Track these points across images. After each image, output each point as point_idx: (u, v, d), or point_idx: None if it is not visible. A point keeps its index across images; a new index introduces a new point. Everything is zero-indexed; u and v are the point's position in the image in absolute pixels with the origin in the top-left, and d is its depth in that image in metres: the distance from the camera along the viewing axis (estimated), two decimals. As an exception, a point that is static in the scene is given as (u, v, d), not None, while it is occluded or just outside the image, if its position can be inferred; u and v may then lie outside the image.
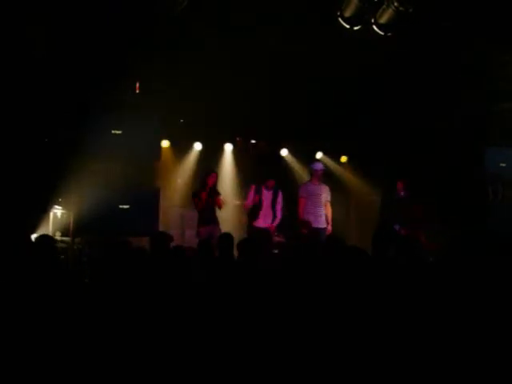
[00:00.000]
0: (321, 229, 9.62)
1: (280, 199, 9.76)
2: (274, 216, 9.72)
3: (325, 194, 9.89)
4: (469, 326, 3.47)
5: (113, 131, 9.74)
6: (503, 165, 11.50)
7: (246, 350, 3.60)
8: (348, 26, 8.16)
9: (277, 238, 9.52)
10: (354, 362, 3.47)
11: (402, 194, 10.33)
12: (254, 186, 9.75)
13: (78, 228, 9.26)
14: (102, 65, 9.04)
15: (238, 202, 11.53)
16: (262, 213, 9.65)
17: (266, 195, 9.69)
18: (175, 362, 3.54)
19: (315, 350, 3.55)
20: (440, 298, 3.80)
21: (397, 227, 9.43)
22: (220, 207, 9.53)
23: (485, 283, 3.83)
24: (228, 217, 10.91)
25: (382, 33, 8.28)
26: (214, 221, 9.48)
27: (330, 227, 9.80)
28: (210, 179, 9.50)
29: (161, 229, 9.57)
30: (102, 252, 5.65)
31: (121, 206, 9.52)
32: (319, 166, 9.92)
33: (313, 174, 9.86)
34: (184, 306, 3.96)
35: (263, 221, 9.66)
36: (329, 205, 9.90)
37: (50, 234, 8.70)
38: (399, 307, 3.82)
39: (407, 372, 3.38)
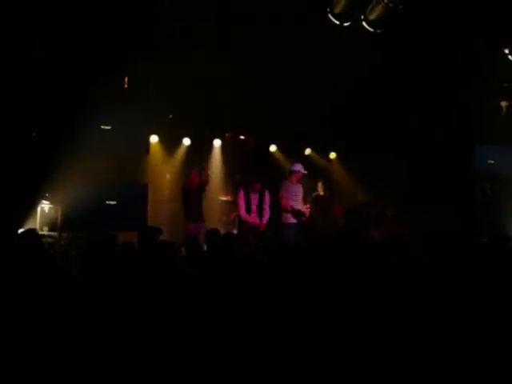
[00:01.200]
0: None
1: (267, 199, 9.85)
2: (262, 215, 9.78)
3: (301, 194, 10.09)
4: (463, 322, 3.49)
5: (102, 126, 9.71)
6: (491, 161, 11.59)
7: (236, 344, 3.59)
8: (338, 23, 8.17)
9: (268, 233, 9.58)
10: (339, 349, 3.47)
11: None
12: (242, 193, 9.78)
13: (65, 223, 9.22)
14: (91, 60, 9.00)
15: (225, 198, 11.52)
16: (252, 215, 9.70)
17: (254, 198, 9.74)
18: (164, 356, 3.53)
19: (306, 340, 3.55)
20: (426, 291, 3.82)
21: None
22: (206, 182, 9.68)
23: (475, 281, 3.85)
24: (215, 213, 10.93)
25: (371, 29, 8.29)
26: (202, 218, 9.54)
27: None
28: (194, 176, 9.54)
29: (150, 223, 9.56)
30: (88, 247, 5.59)
31: (108, 202, 9.51)
32: (298, 167, 9.98)
33: (292, 174, 9.94)
34: (172, 299, 3.95)
35: (253, 220, 9.71)
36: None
37: (38, 228, 8.66)
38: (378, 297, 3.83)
39: (396, 362, 3.38)
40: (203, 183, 9.61)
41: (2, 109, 8.57)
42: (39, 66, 8.71)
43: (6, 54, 8.33)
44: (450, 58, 9.70)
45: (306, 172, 10.00)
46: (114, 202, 9.58)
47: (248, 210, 9.73)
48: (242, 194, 9.78)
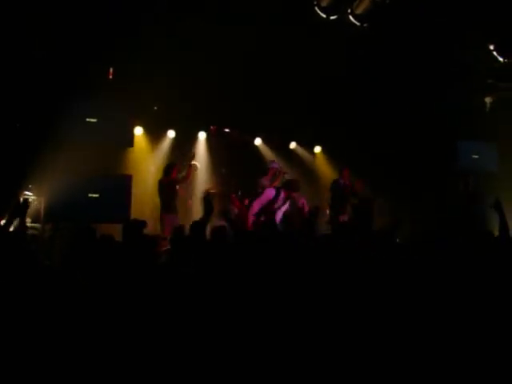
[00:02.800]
0: None
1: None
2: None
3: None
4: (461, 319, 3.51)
5: (87, 119, 9.65)
6: (476, 156, 11.68)
7: (225, 337, 3.58)
8: (324, 16, 8.17)
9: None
10: (332, 338, 3.48)
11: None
12: (236, 199, 9.89)
13: (48, 214, 9.15)
14: (75, 51, 8.93)
15: (213, 191, 11.47)
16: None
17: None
18: (151, 351, 3.51)
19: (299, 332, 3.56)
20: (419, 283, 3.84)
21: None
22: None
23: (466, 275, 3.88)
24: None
25: (358, 23, 8.30)
26: (177, 211, 9.71)
27: None
28: (174, 171, 9.70)
29: (134, 216, 9.50)
30: (70, 238, 5.56)
31: (90, 195, 9.46)
32: (275, 165, 9.98)
33: (268, 171, 9.96)
34: (156, 293, 3.93)
35: None
36: None
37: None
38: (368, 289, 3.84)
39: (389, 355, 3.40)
40: (183, 178, 9.83)
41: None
42: (23, 58, 8.62)
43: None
44: (435, 53, 9.74)
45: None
46: (97, 195, 9.53)
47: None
48: (236, 201, 9.82)
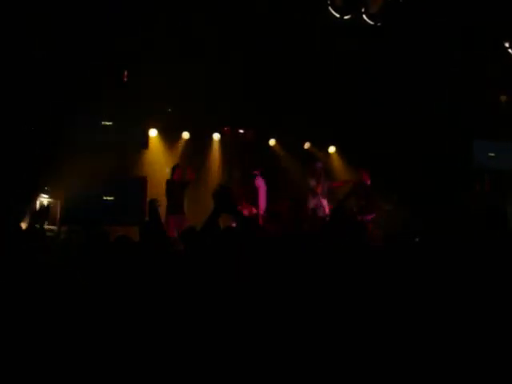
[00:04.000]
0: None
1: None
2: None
3: None
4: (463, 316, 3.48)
5: (103, 123, 9.72)
6: (492, 154, 11.60)
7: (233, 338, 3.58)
8: (338, 16, 8.15)
9: None
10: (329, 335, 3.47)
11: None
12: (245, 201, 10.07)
13: (64, 217, 9.21)
14: (90, 53, 8.97)
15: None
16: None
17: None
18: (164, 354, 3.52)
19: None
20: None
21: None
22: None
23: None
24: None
25: (371, 22, 8.27)
26: (183, 211, 9.84)
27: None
28: (177, 172, 9.84)
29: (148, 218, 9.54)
30: (85, 241, 5.59)
31: (105, 198, 9.53)
32: (318, 165, 10.19)
33: (314, 171, 10.41)
34: (172, 293, 3.94)
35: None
36: None
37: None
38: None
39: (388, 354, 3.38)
40: (186, 182, 9.93)
41: (1, 104, 8.54)
42: (39, 62, 8.68)
43: (7, 49, 8.30)
44: (450, 51, 9.68)
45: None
46: (112, 198, 9.61)
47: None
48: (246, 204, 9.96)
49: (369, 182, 10.60)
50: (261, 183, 10.05)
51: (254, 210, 10.00)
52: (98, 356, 3.49)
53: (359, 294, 3.76)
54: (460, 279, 3.86)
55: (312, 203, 10.13)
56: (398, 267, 4.08)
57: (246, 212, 9.74)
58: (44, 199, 9.21)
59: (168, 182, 9.81)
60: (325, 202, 10.14)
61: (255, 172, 10.10)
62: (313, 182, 10.14)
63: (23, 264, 4.31)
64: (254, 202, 10.03)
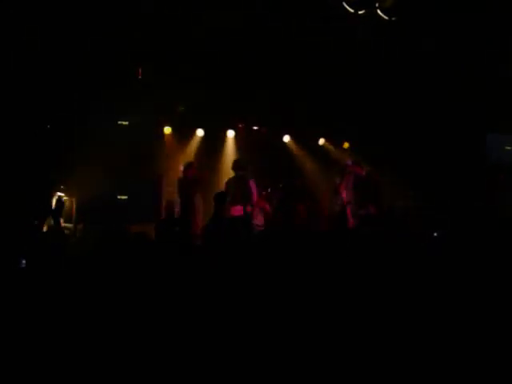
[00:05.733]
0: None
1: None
2: None
3: None
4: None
5: (119, 122, 9.75)
6: (508, 148, 11.52)
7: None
8: (352, 10, 8.10)
9: None
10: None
11: None
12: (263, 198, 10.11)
13: (80, 215, 9.25)
14: (105, 52, 9.00)
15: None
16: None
17: None
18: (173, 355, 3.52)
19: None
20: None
21: None
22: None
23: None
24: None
25: (386, 17, 8.22)
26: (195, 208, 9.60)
27: None
28: (190, 171, 9.60)
29: (164, 215, 9.59)
30: (102, 239, 5.63)
31: (120, 197, 9.58)
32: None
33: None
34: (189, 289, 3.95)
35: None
36: None
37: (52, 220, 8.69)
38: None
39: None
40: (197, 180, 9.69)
41: (19, 102, 8.59)
42: (55, 60, 8.72)
43: (21, 49, 8.34)
44: (464, 47, 9.61)
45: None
46: (126, 197, 9.65)
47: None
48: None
49: (363, 173, 10.47)
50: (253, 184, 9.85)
51: (267, 208, 9.95)
52: (113, 350, 3.50)
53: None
54: (475, 273, 3.85)
55: (335, 200, 10.11)
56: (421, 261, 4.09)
57: (261, 205, 9.74)
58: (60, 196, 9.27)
59: (179, 180, 9.69)
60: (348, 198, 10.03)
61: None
62: (338, 180, 10.15)
63: (45, 262, 4.35)
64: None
